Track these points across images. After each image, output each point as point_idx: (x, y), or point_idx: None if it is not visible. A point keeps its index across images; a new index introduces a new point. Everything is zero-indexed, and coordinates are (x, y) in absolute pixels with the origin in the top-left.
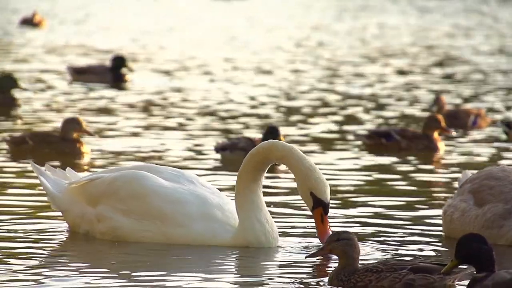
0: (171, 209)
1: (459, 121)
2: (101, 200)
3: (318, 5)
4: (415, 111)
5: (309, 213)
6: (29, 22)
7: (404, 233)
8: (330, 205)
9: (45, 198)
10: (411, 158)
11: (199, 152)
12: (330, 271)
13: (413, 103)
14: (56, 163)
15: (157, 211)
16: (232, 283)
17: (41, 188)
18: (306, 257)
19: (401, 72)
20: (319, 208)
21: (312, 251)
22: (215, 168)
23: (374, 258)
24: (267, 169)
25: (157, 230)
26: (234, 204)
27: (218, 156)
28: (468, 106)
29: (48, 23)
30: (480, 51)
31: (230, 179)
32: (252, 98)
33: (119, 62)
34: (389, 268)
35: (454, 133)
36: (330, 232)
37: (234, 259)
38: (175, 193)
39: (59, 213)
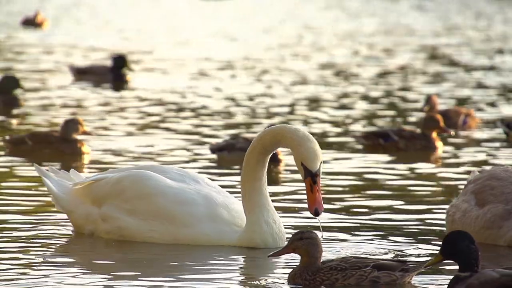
0: (177, 209)
1: (450, 120)
2: (106, 200)
3: (307, 4)
4: (407, 111)
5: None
6: (31, 23)
7: (404, 233)
8: (341, 201)
9: (47, 199)
10: (409, 158)
11: (197, 153)
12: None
13: (405, 102)
14: (57, 163)
15: (163, 211)
16: (237, 283)
17: (43, 189)
18: (268, 256)
19: (394, 71)
20: (309, 177)
21: (275, 250)
22: (214, 169)
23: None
24: (267, 163)
25: (163, 230)
26: (240, 204)
27: (215, 156)
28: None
29: (50, 23)
30: (467, 50)
31: (229, 180)
32: (247, 98)
33: (120, 62)
34: (352, 265)
35: (452, 133)
36: (322, 201)
37: (240, 259)
38: (181, 193)
39: (63, 214)
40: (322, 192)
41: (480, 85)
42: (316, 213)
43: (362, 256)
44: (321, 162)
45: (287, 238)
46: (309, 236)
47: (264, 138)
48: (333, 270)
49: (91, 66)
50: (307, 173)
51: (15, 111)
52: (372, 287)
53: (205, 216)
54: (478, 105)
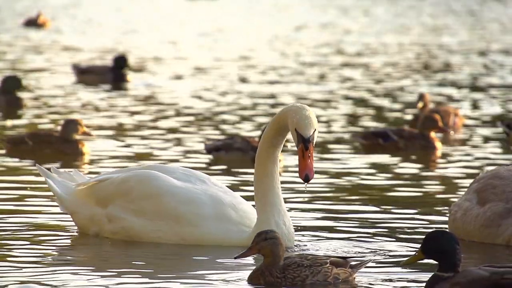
0: (184, 209)
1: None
2: (112, 201)
3: (293, 4)
4: (400, 110)
5: (321, 213)
6: (33, 23)
7: (404, 232)
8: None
9: (48, 199)
10: (408, 158)
11: (194, 153)
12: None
13: (397, 101)
14: (57, 163)
15: (170, 211)
16: (241, 283)
17: (44, 189)
18: (235, 258)
19: (386, 70)
20: (301, 144)
21: (241, 252)
22: (213, 169)
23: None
24: (278, 159)
25: (170, 230)
26: (247, 203)
27: (212, 157)
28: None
29: (52, 24)
30: (455, 49)
31: (228, 181)
32: (244, 98)
33: (121, 62)
34: (314, 262)
35: (452, 133)
36: (313, 168)
37: (246, 259)
38: (188, 193)
39: (66, 215)
40: (314, 159)
41: (479, 85)
42: (306, 179)
43: (314, 253)
44: (315, 130)
45: (295, 240)
46: (272, 236)
47: (269, 129)
48: (301, 267)
49: (92, 66)
50: (300, 139)
51: (17, 111)
52: (334, 284)
53: (212, 216)
54: (477, 105)
